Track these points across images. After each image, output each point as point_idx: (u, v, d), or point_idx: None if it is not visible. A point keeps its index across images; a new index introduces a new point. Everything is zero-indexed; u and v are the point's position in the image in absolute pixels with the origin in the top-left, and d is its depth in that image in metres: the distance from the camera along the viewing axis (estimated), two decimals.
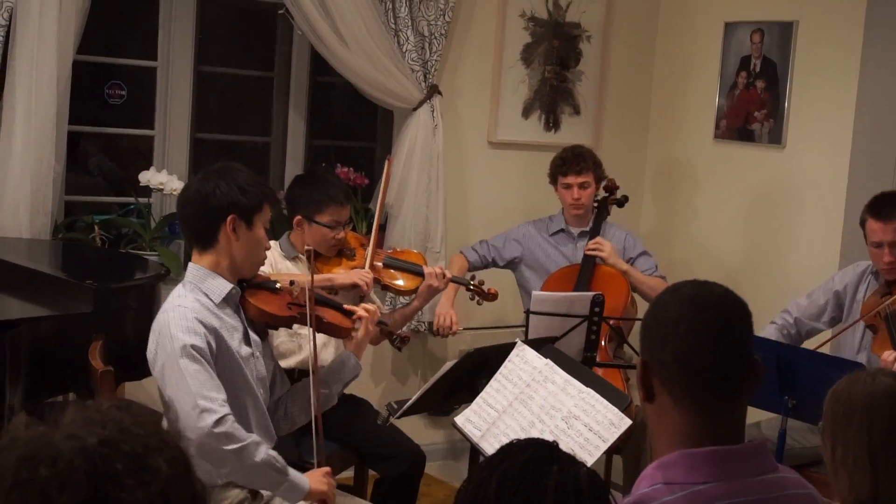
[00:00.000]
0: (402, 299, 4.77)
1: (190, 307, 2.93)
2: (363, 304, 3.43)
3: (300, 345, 3.85)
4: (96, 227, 4.52)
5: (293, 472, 2.98)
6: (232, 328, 3.02)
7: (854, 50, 4.70)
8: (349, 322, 3.33)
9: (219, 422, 2.82)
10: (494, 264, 4.78)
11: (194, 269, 3.03)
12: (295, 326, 3.41)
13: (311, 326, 3.15)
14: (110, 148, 5.19)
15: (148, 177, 4.57)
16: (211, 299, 2.99)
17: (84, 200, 4.84)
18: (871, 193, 4.33)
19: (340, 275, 3.92)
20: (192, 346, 2.86)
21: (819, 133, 4.88)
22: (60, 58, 4.13)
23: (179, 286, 3.04)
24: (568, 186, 4.61)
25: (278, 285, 3.20)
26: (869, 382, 2.18)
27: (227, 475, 2.97)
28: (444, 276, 4.13)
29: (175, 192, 4.56)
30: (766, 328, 4.24)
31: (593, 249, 4.52)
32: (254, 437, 2.91)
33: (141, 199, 4.70)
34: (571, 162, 4.58)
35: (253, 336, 3.12)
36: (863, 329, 4.06)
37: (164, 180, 4.55)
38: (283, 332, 3.70)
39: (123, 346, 3.49)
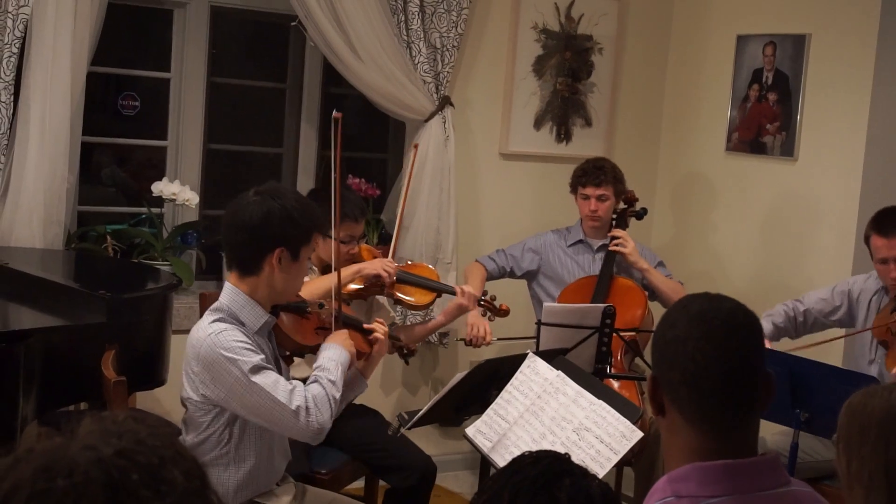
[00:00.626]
0: (413, 314, 4.76)
1: (234, 330, 2.89)
2: (376, 325, 3.36)
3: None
4: (108, 238, 4.54)
5: (330, 361, 3.04)
6: (267, 356, 3.00)
7: (867, 63, 4.70)
8: (367, 346, 3.30)
9: (307, 412, 2.88)
10: (512, 274, 4.77)
11: (233, 294, 2.96)
12: None
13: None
14: (123, 159, 5.21)
15: (160, 187, 4.59)
16: (246, 327, 2.94)
17: (97, 211, 4.85)
18: (883, 206, 4.32)
19: (367, 264, 3.93)
20: (258, 365, 2.86)
21: (831, 146, 4.87)
22: (75, 69, 4.14)
23: (211, 312, 2.95)
24: (586, 198, 4.62)
25: (308, 308, 3.17)
26: (886, 397, 2.17)
27: (282, 456, 3.11)
28: (474, 296, 4.14)
29: (187, 203, 4.58)
30: (775, 307, 4.24)
31: (617, 245, 4.53)
32: (314, 386, 2.95)
33: (153, 210, 4.71)
34: (592, 174, 4.59)
35: (283, 363, 3.12)
36: (875, 341, 4.06)
37: (177, 191, 4.57)
38: None
39: (136, 356, 3.50)
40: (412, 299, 4.09)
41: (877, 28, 4.66)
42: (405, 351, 3.90)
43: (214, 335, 2.87)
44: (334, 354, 3.05)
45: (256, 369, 2.85)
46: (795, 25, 5.01)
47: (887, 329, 3.93)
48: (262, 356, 2.90)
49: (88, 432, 1.11)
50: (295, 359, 3.31)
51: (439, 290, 4.17)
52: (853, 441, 2.15)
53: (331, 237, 3.87)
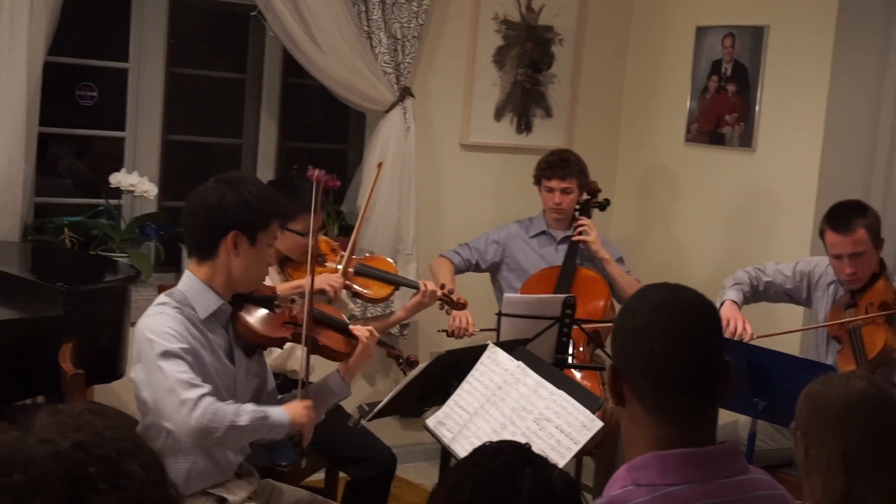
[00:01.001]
0: (373, 307, 4.75)
1: (171, 315, 2.88)
2: (365, 328, 3.30)
3: (270, 350, 3.82)
4: (66, 230, 4.49)
5: (273, 412, 2.96)
6: (216, 345, 2.97)
7: (824, 55, 4.74)
8: (345, 346, 3.22)
9: (203, 411, 2.78)
10: (477, 267, 4.76)
11: (189, 280, 2.96)
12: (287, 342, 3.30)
13: (305, 346, 3.09)
14: (81, 150, 5.16)
15: (119, 178, 4.55)
16: (197, 313, 2.93)
17: (54, 202, 4.81)
18: (841, 197, 4.36)
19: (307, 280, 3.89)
20: (172, 351, 2.82)
21: (789, 137, 4.91)
22: (31, 59, 4.09)
23: (165, 295, 2.96)
24: (551, 190, 4.63)
25: (277, 302, 3.12)
26: (843, 385, 2.20)
27: (229, 447, 2.99)
28: (434, 292, 4.13)
29: (146, 194, 4.54)
30: (736, 273, 4.28)
31: (581, 231, 4.55)
32: (233, 405, 2.87)
33: (111, 201, 4.67)
34: (556, 166, 4.60)
35: (237, 354, 3.05)
36: (828, 334, 4.10)
37: (135, 182, 4.53)
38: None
39: (94, 349, 3.47)
40: (370, 292, 4.08)
41: (834, 19, 4.70)
42: (401, 361, 3.82)
43: (149, 318, 2.89)
44: (274, 412, 2.96)
45: (168, 355, 2.82)
46: (754, 17, 5.05)
47: (840, 326, 3.96)
48: (186, 346, 2.85)
49: (44, 426, 1.10)
50: (303, 354, 3.20)
51: (402, 284, 4.15)
52: (812, 429, 2.18)
53: (290, 230, 3.87)
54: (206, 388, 2.83)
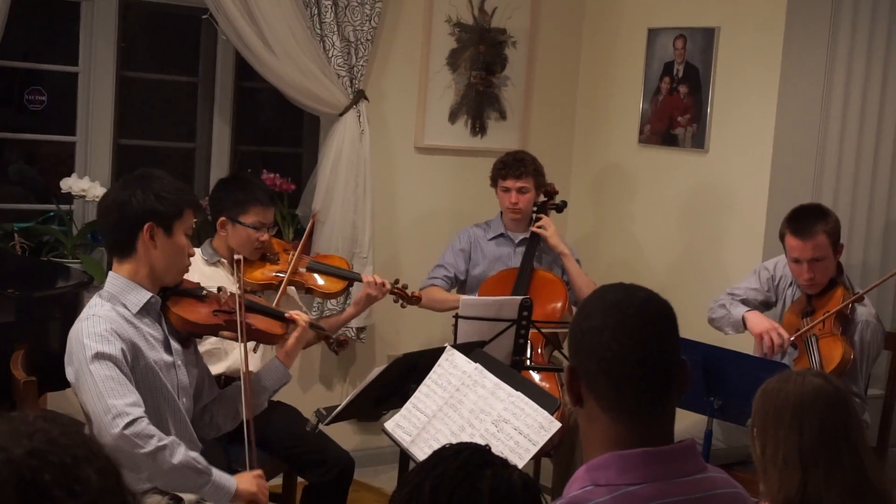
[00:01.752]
0: (329, 304, 4.75)
1: (104, 316, 2.89)
2: (295, 311, 3.40)
3: (226, 350, 3.82)
4: (16, 236, 4.43)
5: (218, 473, 2.94)
6: (151, 338, 2.98)
7: (774, 56, 4.78)
8: (280, 328, 3.31)
9: (130, 424, 2.77)
10: (457, 280, 4.72)
11: (113, 279, 3.00)
12: (223, 333, 3.35)
13: (241, 334, 3.12)
14: (31, 154, 5.10)
15: (70, 183, 4.50)
16: (128, 309, 2.95)
17: (4, 208, 4.74)
18: (791, 198, 4.41)
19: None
20: (103, 354, 2.82)
21: (741, 138, 4.95)
22: None
23: (96, 296, 2.99)
24: (507, 190, 4.64)
25: (204, 292, 3.17)
26: (799, 382, 2.22)
27: (148, 479, 2.90)
28: (383, 284, 4.12)
29: (97, 199, 4.49)
30: (717, 299, 4.28)
31: (539, 226, 4.57)
32: (171, 438, 2.87)
33: (62, 207, 4.62)
34: (512, 166, 4.61)
35: (174, 345, 3.07)
36: None
37: (87, 187, 4.49)
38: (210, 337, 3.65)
39: (46, 356, 3.43)
40: (323, 283, 4.08)
41: (783, 21, 4.75)
42: (331, 340, 3.87)
43: (82, 320, 2.90)
44: (218, 473, 2.94)
45: (100, 356, 2.82)
46: (705, 19, 5.09)
47: (796, 330, 3.98)
48: (121, 347, 2.84)
49: None
50: (241, 338, 3.20)
51: (347, 277, 4.15)
52: (768, 425, 2.20)
53: (242, 223, 3.86)
54: (139, 407, 2.81)
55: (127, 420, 2.78)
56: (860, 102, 4.88)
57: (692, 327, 4.24)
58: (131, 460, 2.79)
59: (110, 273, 3.02)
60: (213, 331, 3.21)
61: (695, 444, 1.89)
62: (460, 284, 4.74)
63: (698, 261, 5.16)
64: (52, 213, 4.77)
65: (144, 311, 2.99)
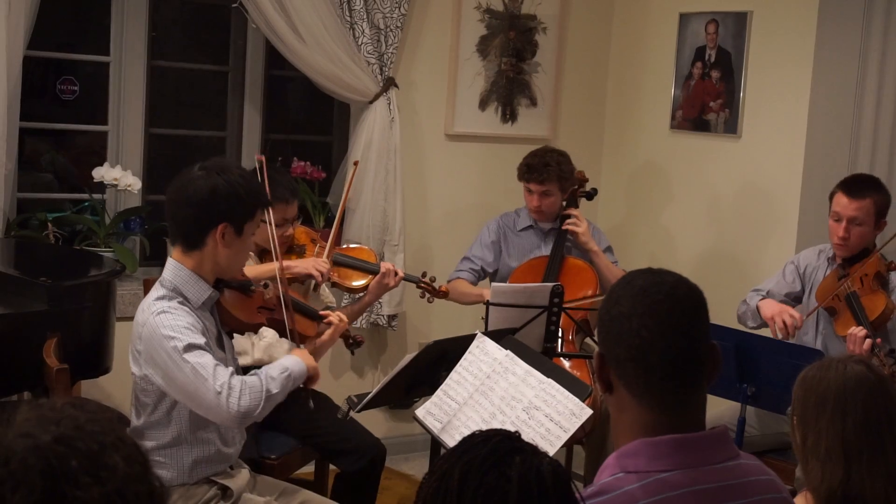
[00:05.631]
0: (351, 296, 4.74)
1: (180, 311, 2.87)
2: (336, 312, 3.41)
3: (253, 343, 3.82)
4: (49, 225, 4.46)
5: (290, 366, 2.98)
6: (208, 332, 2.97)
7: (808, 39, 4.73)
8: (313, 329, 3.31)
9: (231, 386, 2.80)
10: (484, 273, 4.71)
11: (176, 269, 2.94)
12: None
13: (289, 323, 3.13)
14: (63, 144, 5.13)
15: (102, 173, 4.52)
16: (190, 303, 2.93)
17: (37, 198, 4.77)
18: (825, 183, 4.37)
19: (298, 263, 3.89)
20: (194, 345, 2.82)
21: (774, 123, 4.91)
22: (10, 53, 4.06)
23: (158, 284, 2.94)
24: (530, 192, 4.58)
25: (252, 287, 3.15)
26: (841, 370, 2.18)
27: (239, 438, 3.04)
28: (396, 273, 4.10)
29: (130, 188, 4.52)
30: (739, 306, 4.27)
31: (570, 223, 4.52)
32: (252, 377, 2.88)
33: (95, 196, 4.64)
34: (535, 170, 4.52)
35: (226, 340, 3.09)
36: (816, 316, 4.09)
37: (119, 176, 4.51)
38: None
39: (79, 344, 3.46)
40: (346, 282, 4.08)
41: (816, 4, 4.70)
42: (351, 341, 3.86)
43: (156, 315, 2.85)
44: (290, 362, 3.00)
45: (191, 347, 2.82)
46: (737, 3, 5.04)
47: (834, 296, 3.97)
48: (205, 339, 2.87)
49: (25, 420, 1.08)
50: (265, 337, 3.24)
51: (370, 271, 4.13)
52: (809, 414, 2.16)
53: (264, 221, 3.85)
54: (229, 369, 2.86)
55: (237, 391, 2.80)
56: (895, 86, 4.82)
57: (724, 318, 4.24)
58: (253, 420, 2.89)
59: (173, 262, 2.95)
60: (255, 328, 3.22)
61: (727, 431, 1.87)
62: (489, 276, 4.71)
63: (731, 249, 5.12)
64: (85, 203, 4.80)
65: (204, 305, 2.97)
